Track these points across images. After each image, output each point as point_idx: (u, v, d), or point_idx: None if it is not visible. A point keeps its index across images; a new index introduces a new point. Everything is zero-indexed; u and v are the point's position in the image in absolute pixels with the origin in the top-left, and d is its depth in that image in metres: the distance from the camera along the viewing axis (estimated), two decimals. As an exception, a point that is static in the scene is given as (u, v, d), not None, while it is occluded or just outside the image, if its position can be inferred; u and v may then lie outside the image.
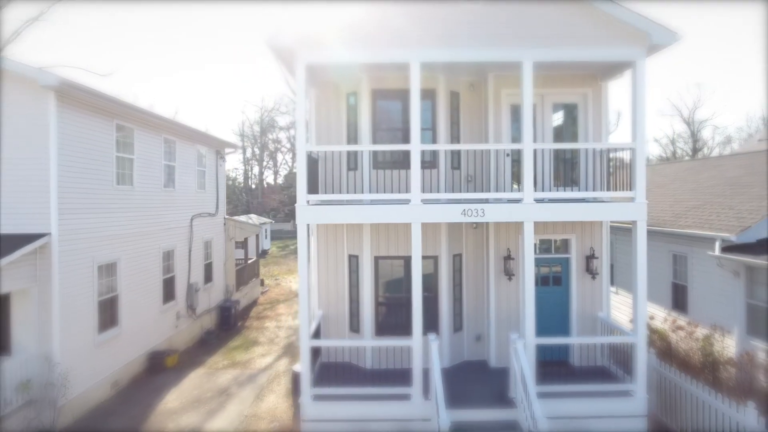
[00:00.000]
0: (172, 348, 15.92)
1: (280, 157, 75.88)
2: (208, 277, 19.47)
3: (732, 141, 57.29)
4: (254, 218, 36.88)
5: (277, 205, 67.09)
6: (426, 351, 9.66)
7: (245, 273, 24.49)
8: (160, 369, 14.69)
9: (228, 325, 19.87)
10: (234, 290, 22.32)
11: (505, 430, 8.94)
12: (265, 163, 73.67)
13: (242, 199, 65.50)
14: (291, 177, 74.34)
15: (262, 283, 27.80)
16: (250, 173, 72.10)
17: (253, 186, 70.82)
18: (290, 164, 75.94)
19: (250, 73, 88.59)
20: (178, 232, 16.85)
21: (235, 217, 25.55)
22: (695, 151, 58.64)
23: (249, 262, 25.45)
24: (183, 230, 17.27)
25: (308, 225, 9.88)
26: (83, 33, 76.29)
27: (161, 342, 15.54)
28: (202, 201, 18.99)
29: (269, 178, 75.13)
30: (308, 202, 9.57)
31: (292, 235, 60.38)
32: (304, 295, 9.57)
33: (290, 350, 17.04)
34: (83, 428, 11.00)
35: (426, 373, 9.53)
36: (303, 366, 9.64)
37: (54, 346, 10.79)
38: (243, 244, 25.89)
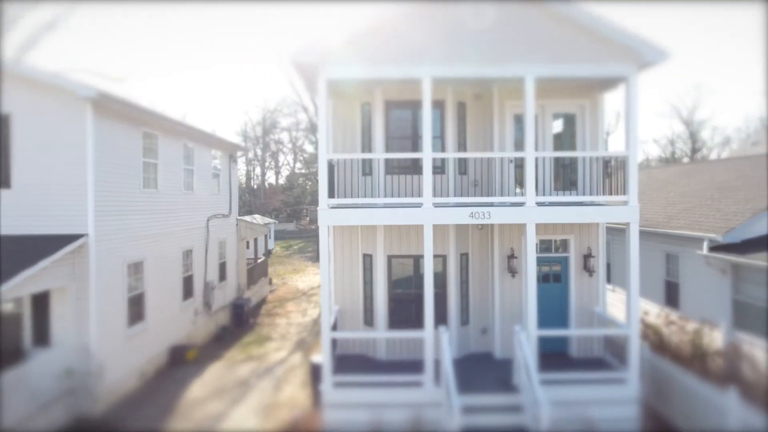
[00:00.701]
0: (191, 343, 16.77)
1: (281, 157, 76.79)
2: (222, 276, 20.31)
3: (731, 141, 57.90)
4: (258, 218, 37.69)
5: (279, 205, 67.95)
6: (436, 342, 10.52)
7: (255, 272, 25.35)
8: (181, 362, 15.54)
9: (241, 321, 20.70)
10: (245, 288, 23.17)
11: (510, 412, 9.82)
12: (267, 164, 74.49)
13: (245, 199, 66.31)
14: (292, 177, 75.22)
15: (270, 282, 28.65)
16: (252, 174, 72.92)
17: (255, 186, 71.62)
18: (292, 165, 76.87)
19: (252, 74, 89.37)
20: (196, 233, 17.71)
21: (245, 218, 26.38)
22: (694, 151, 59.26)
23: (258, 261, 26.31)
24: (200, 231, 18.13)
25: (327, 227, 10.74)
26: (75, 34, 77.06)
27: (181, 337, 16.39)
28: (216, 203, 19.84)
29: (271, 178, 76.00)
30: (328, 205, 10.43)
31: (295, 235, 61.27)
32: (325, 292, 10.43)
33: (302, 345, 17.89)
34: (118, 415, 11.85)
35: (436, 363, 10.40)
36: (324, 355, 10.50)
37: (91, 339, 11.64)
38: (253, 244, 26.73)
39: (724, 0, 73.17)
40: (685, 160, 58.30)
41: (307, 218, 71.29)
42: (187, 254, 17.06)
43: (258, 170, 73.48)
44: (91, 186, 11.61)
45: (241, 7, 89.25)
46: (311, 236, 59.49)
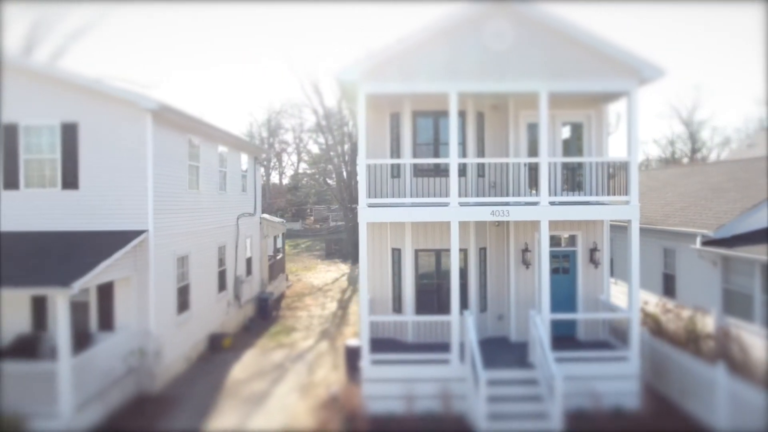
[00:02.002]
0: (225, 332, 18.16)
1: (285, 158, 78.05)
2: (248, 271, 21.71)
3: (731, 142, 58.99)
4: (268, 218, 39.09)
5: (284, 205, 69.28)
6: (460, 326, 11.93)
7: (274, 268, 26.75)
8: (219, 349, 16.93)
9: (265, 314, 22.09)
10: (267, 283, 24.58)
11: (527, 384, 11.26)
12: (271, 164, 75.74)
13: (251, 199, 67.33)
14: (296, 178, 76.54)
15: (286, 278, 30.05)
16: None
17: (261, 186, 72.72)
18: (296, 165, 78.13)
19: (253, 74, 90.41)
20: (227, 230, 19.10)
21: (265, 216, 27.77)
22: (694, 152, 60.37)
23: (278, 258, 27.71)
24: (231, 228, 19.52)
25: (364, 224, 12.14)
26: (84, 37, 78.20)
27: (216, 326, 17.77)
28: (243, 202, 21.23)
29: (275, 178, 77.23)
30: (367, 204, 11.85)
31: (301, 234, 62.62)
32: (364, 282, 11.85)
33: (326, 335, 19.29)
34: (174, 392, 13.24)
35: (460, 345, 11.81)
36: (363, 336, 11.91)
37: (151, 324, 13.04)
38: (272, 242, 28.11)
39: (724, 0, 74.54)
40: (685, 160, 59.43)
41: (312, 217, 72.70)
42: (221, 250, 18.46)
43: (262, 170, 74.60)
44: (151, 187, 12.99)
45: (241, 7, 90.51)
46: (317, 235, 60.97)
